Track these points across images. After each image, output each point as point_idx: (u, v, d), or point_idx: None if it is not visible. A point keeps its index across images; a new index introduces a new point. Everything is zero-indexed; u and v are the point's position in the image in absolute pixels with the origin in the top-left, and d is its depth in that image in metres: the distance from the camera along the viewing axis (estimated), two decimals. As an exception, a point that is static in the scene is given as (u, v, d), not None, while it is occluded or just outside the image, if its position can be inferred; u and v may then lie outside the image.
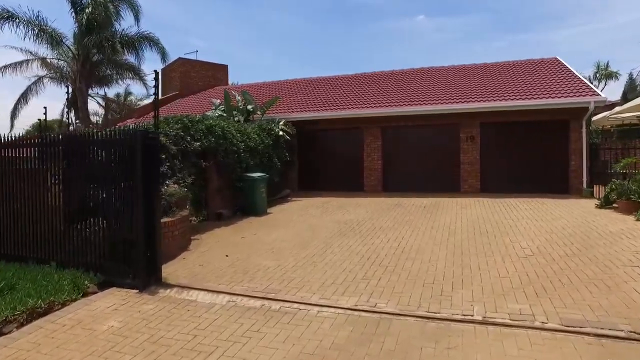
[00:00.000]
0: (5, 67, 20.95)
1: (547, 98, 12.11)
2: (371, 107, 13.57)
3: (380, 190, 13.88)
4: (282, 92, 17.88)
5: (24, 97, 21.97)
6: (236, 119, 13.31)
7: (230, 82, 22.67)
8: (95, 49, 20.38)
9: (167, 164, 8.44)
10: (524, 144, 12.77)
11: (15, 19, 19.83)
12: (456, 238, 7.47)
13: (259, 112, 14.15)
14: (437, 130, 13.56)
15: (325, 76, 18.85)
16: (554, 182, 12.30)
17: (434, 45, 69.38)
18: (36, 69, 23.42)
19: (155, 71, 6.92)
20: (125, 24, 51.82)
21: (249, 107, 13.70)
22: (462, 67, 16.45)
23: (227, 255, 7.08)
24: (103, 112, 30.82)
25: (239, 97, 14.15)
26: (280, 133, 13.26)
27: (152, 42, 23.00)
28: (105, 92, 23.71)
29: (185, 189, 9.45)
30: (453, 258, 6.26)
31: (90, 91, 24.50)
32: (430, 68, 16.99)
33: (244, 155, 11.19)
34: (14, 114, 21.82)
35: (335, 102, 14.72)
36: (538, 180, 12.45)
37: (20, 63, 21.25)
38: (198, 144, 9.33)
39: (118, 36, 22.44)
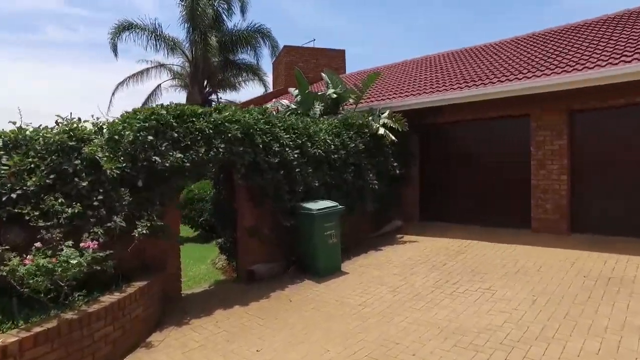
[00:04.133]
0: (129, 77, 20.88)
1: None
2: (547, 73, 7.21)
3: (564, 229, 7.39)
4: (396, 75, 12.54)
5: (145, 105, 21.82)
6: (312, 112, 8.70)
7: (348, 72, 18.28)
8: (201, 49, 18.46)
9: (100, 196, 4.36)
10: None
11: (135, 28, 19.38)
12: None
13: (351, 100, 9.25)
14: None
15: (465, 47, 12.71)
16: None
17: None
18: (156, 77, 23.33)
19: None
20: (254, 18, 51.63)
21: (331, 92, 8.90)
22: None
23: None
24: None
25: (327, 80, 9.50)
26: (381, 131, 8.11)
27: (264, 35, 20.37)
28: (218, 97, 21.98)
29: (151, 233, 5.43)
30: None
31: (213, 96, 23.23)
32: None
33: (299, 172, 6.50)
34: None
35: (477, 75, 8.76)
36: None
37: (141, 72, 20.98)
38: (180, 156, 5.01)
39: (230, 33, 20.57)
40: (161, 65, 21.25)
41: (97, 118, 5.00)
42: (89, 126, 4.91)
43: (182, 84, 23.50)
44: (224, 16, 20.30)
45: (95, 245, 3.98)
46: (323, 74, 9.82)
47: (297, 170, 6.47)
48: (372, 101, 9.84)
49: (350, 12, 60.80)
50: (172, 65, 22.67)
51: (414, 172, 9.63)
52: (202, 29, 18.75)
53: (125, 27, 19.23)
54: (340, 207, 6.53)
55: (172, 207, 5.20)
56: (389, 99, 9.62)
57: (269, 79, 22.50)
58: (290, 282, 6.11)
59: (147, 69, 20.93)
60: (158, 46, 20.00)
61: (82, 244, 3.93)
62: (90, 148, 4.39)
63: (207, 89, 22.23)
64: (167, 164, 4.86)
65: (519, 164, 7.99)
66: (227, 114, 5.69)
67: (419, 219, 9.59)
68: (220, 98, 24.30)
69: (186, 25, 19.37)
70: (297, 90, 9.55)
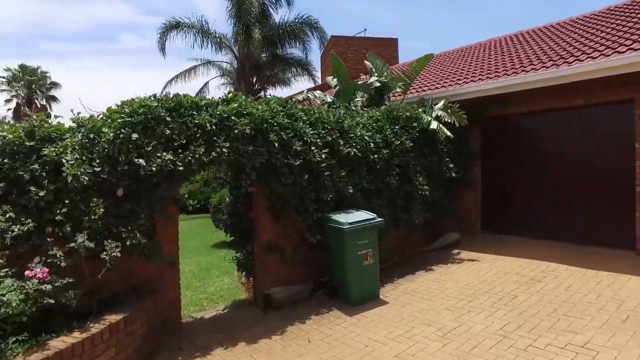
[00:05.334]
0: (177, 76, 20.82)
1: None
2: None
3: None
4: (453, 62, 10.92)
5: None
6: (353, 104, 7.45)
7: (401, 62, 16.71)
8: (244, 43, 17.84)
9: (64, 209, 3.50)
10: None
11: (183, 26, 19.22)
12: None
13: (398, 90, 7.88)
14: None
15: (540, 25, 10.76)
16: None
17: None
18: (203, 74, 23.09)
19: None
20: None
21: (374, 80, 7.58)
22: None
23: None
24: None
25: (371, 66, 8.19)
26: (433, 125, 6.69)
27: (312, 26, 19.39)
28: (265, 93, 21.33)
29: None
30: None
31: (262, 93, 22.64)
32: None
33: (329, 175, 5.32)
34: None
35: (557, 54, 6.99)
36: None
37: (189, 70, 20.83)
38: (170, 157, 4.03)
39: (277, 26, 19.80)
40: (209, 63, 21.02)
41: (78, 113, 4.17)
42: (68, 123, 4.11)
43: (231, 81, 23.20)
44: (271, 9, 19.57)
45: (45, 274, 3.10)
46: (366, 62, 8.53)
47: (325, 173, 5.30)
48: (423, 90, 8.40)
49: (406, 3, 58.20)
50: (221, 62, 22.42)
51: (474, 175, 8.06)
52: (246, 22, 18.15)
53: (173, 26, 19.11)
54: (379, 220, 5.26)
55: (164, 220, 4.24)
56: (444, 87, 8.12)
57: (319, 73, 21.55)
58: (314, 312, 4.97)
59: (195, 67, 20.77)
60: (205, 43, 19.72)
61: (26, 272, 3.07)
62: (52, 149, 3.53)
63: (256, 85, 21.68)
64: (154, 168, 3.90)
65: (616, 164, 6.20)
66: (235, 105, 4.65)
67: (481, 231, 8.01)
68: (270, 94, 23.70)
69: (233, 20, 18.91)
70: (335, 80, 8.36)
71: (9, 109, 41.77)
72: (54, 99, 43.68)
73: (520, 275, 5.49)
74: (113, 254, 3.46)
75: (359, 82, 7.90)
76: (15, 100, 42.14)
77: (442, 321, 4.35)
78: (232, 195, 5.89)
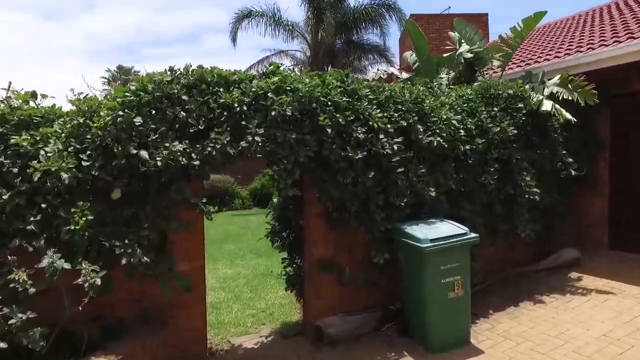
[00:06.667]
0: (250, 67, 20.46)
1: None
2: None
3: None
4: (568, 29, 8.76)
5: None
6: (436, 83, 5.92)
7: (491, 39, 14.45)
8: (315, 28, 16.85)
9: (39, 216, 2.62)
10: None
11: (255, 15, 18.80)
12: None
13: (495, 63, 6.17)
14: None
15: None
16: None
17: None
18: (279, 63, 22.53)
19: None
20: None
21: (464, 50, 5.95)
22: None
23: None
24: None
25: (458, 36, 6.56)
26: (546, 106, 4.97)
27: (390, 8, 17.86)
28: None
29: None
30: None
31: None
32: None
33: (403, 173, 3.97)
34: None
35: None
36: None
37: (261, 60, 20.36)
38: (181, 148, 2.98)
39: (353, 10, 18.53)
40: (281, 52, 20.38)
41: (79, 93, 3.31)
42: (67, 104, 3.28)
43: (305, 71, 22.45)
44: (344, -6, 18.34)
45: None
46: (451, 33, 6.92)
47: (398, 170, 3.95)
48: (528, 64, 6.58)
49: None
50: (295, 51, 21.71)
51: (600, 172, 6.10)
52: (319, 6, 17.12)
53: (245, 15, 18.78)
54: (473, 236, 3.78)
55: (180, 230, 3.23)
56: (558, 57, 6.23)
57: (398, 59, 19.93)
58: (378, 356, 3.69)
59: (268, 57, 20.25)
60: (277, 31, 19.13)
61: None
62: (24, 138, 2.66)
63: (331, 74, 20.68)
64: (159, 162, 2.89)
65: None
66: (276, 79, 3.49)
67: (609, 247, 6.04)
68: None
69: (306, 5, 18.02)
70: (413, 55, 6.87)
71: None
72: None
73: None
74: (93, 282, 2.50)
75: (444, 55, 6.32)
76: (113, 98, 46.09)
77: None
78: (282, 197, 4.78)
